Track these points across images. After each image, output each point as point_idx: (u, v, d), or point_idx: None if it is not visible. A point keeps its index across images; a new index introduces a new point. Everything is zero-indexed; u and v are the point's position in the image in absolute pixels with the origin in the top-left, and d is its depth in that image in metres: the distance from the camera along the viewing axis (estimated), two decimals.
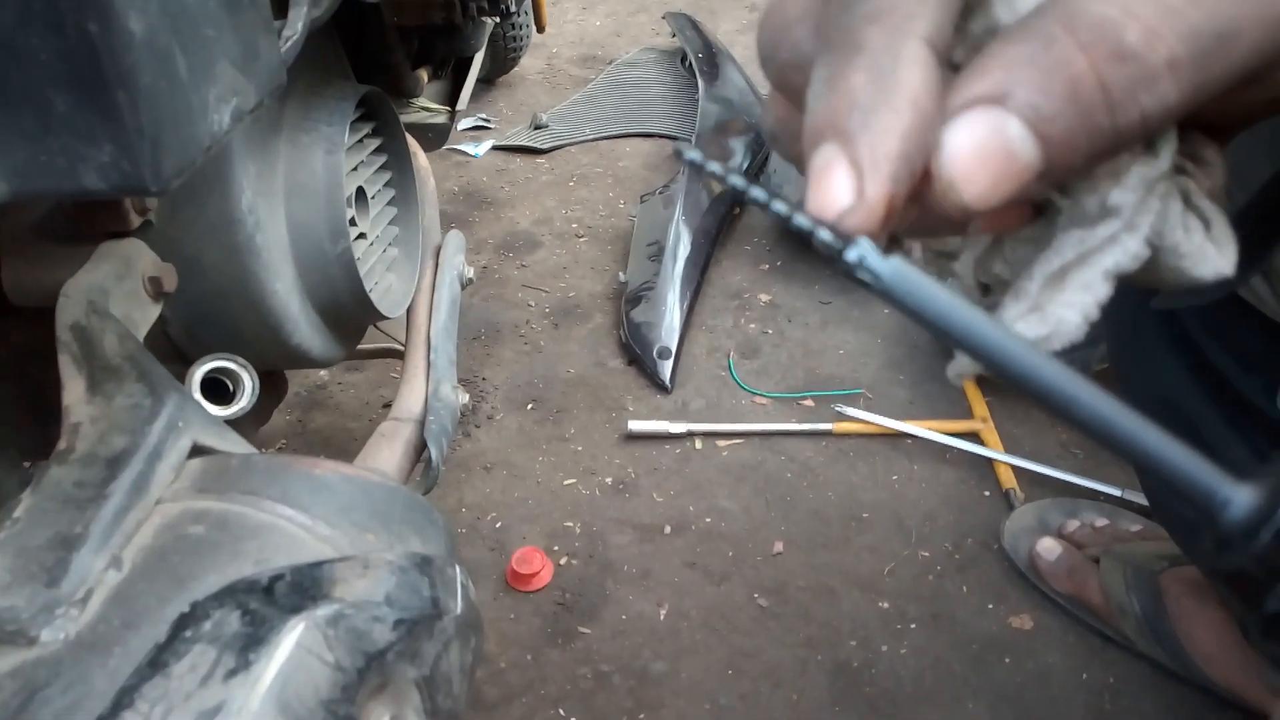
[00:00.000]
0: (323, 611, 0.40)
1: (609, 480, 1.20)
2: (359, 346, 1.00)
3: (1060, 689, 0.94)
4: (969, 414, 1.25)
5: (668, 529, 1.13)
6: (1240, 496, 0.22)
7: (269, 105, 0.52)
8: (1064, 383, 0.21)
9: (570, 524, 1.14)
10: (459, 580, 0.50)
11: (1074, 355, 1.13)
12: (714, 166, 0.23)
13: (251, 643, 0.37)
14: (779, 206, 0.22)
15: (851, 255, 0.21)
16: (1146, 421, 0.22)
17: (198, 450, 0.52)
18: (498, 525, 1.14)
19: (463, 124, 2.12)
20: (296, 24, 0.60)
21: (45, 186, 0.40)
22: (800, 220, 0.22)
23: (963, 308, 0.21)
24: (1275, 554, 0.21)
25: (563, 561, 1.09)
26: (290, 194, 0.68)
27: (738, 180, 0.22)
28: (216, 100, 0.43)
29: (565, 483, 1.20)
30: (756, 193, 0.22)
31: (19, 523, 0.45)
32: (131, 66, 0.37)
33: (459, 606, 0.48)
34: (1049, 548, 1.00)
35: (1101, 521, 1.03)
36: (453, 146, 2.00)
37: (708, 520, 1.14)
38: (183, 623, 0.39)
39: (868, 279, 0.21)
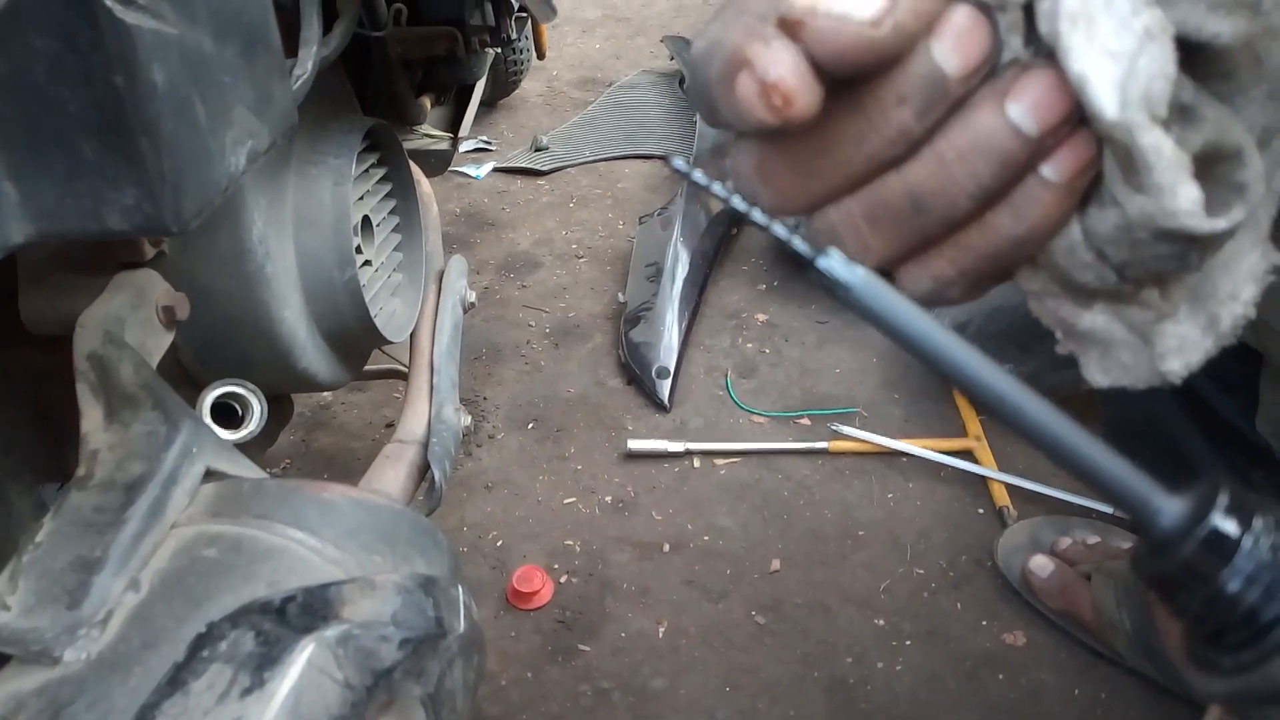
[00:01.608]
0: (332, 631, 0.42)
1: (608, 499, 1.22)
2: (366, 367, 1.02)
3: (1053, 705, 0.95)
4: (963, 432, 1.27)
5: (666, 547, 1.14)
6: (1171, 507, 0.24)
7: (281, 145, 0.55)
8: (1014, 394, 0.23)
9: (570, 542, 1.15)
10: (462, 600, 0.52)
11: (1062, 375, 1.16)
12: (699, 177, 0.25)
13: (265, 662, 0.39)
14: (758, 215, 0.24)
15: (823, 263, 0.23)
16: (1089, 435, 0.24)
17: (210, 475, 0.54)
18: (499, 544, 1.15)
19: (464, 146, 2.15)
20: (306, 63, 0.63)
21: (71, 227, 0.42)
22: (778, 229, 0.24)
23: (924, 320, 0.23)
24: (1199, 560, 0.23)
25: (563, 580, 1.10)
26: (299, 224, 0.71)
27: (720, 190, 0.24)
28: (233, 143, 0.45)
29: (565, 501, 1.22)
30: (738, 202, 0.25)
31: (40, 546, 0.47)
32: (155, 115, 0.39)
33: (462, 626, 0.50)
34: (1041, 565, 1.02)
35: (1093, 539, 1.05)
36: (454, 169, 2.03)
37: (706, 538, 1.16)
38: (200, 643, 0.41)
39: (838, 287, 0.23)
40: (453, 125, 1.29)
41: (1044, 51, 0.22)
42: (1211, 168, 0.23)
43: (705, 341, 1.49)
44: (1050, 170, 0.23)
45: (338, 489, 0.53)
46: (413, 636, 0.45)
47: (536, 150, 2.10)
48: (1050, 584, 1.01)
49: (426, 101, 1.15)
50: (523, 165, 2.05)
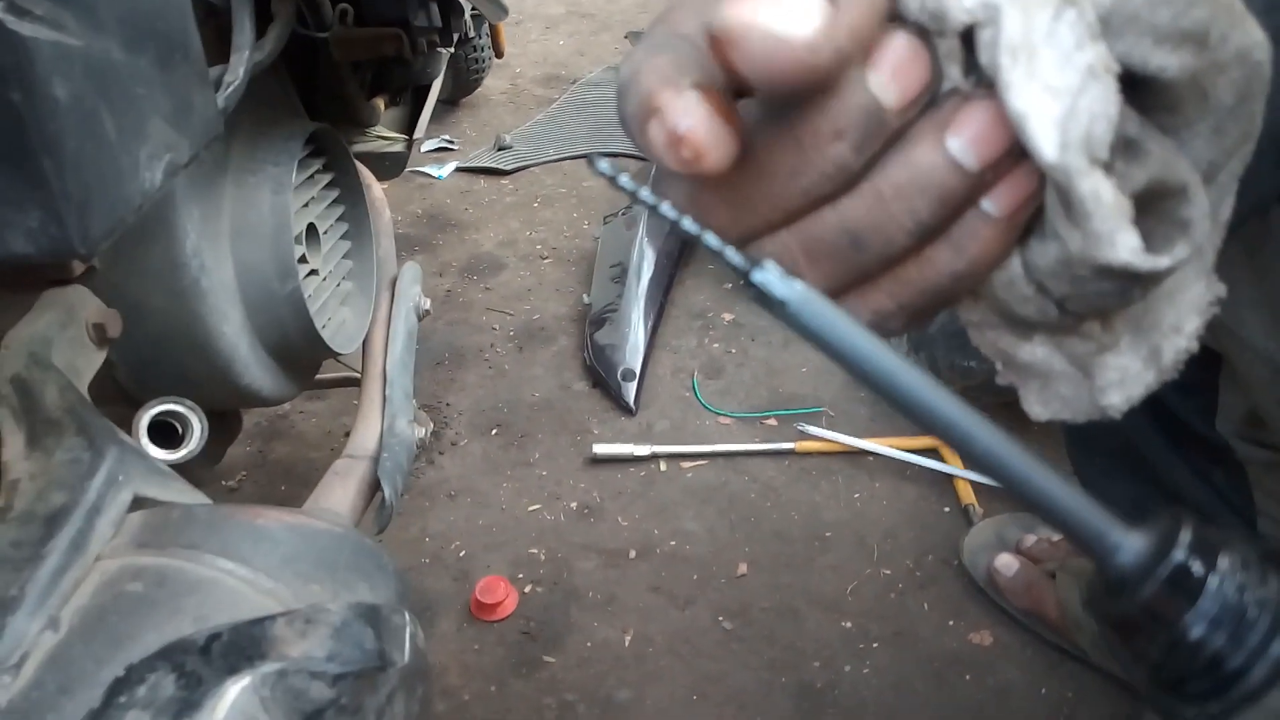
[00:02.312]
0: (260, 671, 0.40)
1: (574, 505, 1.20)
2: (320, 376, 0.99)
3: (1020, 704, 0.95)
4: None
5: (632, 553, 1.13)
6: (1129, 544, 0.22)
7: (205, 157, 0.52)
8: (963, 420, 0.22)
9: (535, 551, 1.14)
10: (407, 629, 0.50)
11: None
12: (625, 180, 0.22)
13: (186, 708, 0.37)
14: (689, 224, 0.22)
15: (758, 276, 0.22)
16: (1042, 464, 0.22)
17: (139, 502, 0.52)
18: (461, 554, 1.13)
19: (426, 146, 2.12)
20: (238, 69, 0.61)
21: None
22: (710, 240, 0.22)
23: (866, 339, 0.21)
24: (1160, 602, 0.22)
25: (527, 590, 1.08)
26: (236, 235, 0.68)
27: (647, 196, 0.22)
28: (148, 158, 0.43)
29: (530, 509, 1.20)
30: (666, 209, 0.22)
31: None
32: (56, 133, 0.37)
33: (406, 657, 0.48)
34: (1007, 563, 1.02)
35: (1058, 535, 1.05)
36: (416, 169, 2.00)
37: (672, 543, 1.14)
38: (117, 688, 0.39)
39: (774, 304, 0.22)
40: (410, 125, 1.26)
41: (985, 80, 0.21)
42: (1156, 203, 0.22)
43: (671, 342, 1.48)
44: (991, 204, 0.22)
45: (273, 514, 0.51)
46: (349, 671, 0.43)
47: (500, 149, 2.08)
48: (1016, 582, 1.01)
49: (380, 103, 1.12)
50: (486, 165, 2.02)
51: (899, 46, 0.21)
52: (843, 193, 0.23)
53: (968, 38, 0.21)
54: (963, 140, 0.21)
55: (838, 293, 0.25)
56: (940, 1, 0.21)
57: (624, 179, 0.22)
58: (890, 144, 0.22)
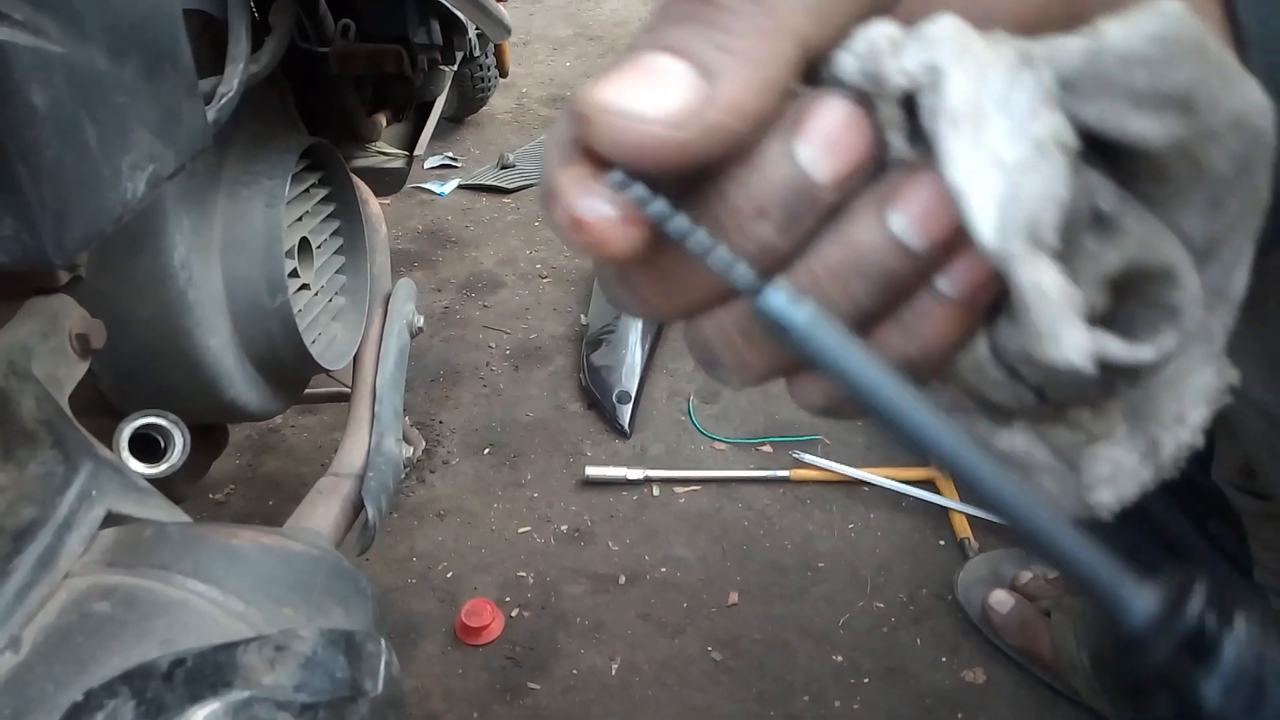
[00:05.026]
0: (224, 700, 0.38)
1: (564, 528, 1.18)
2: (312, 390, 0.98)
3: None
4: (926, 462, 1.26)
5: (622, 579, 1.11)
6: (1142, 600, 0.20)
7: (197, 168, 0.51)
8: (974, 461, 0.20)
9: (523, 574, 1.12)
10: (382, 657, 0.48)
11: None
12: (637, 190, 0.20)
13: None
14: (696, 240, 0.20)
15: (769, 297, 0.19)
16: (1054, 511, 0.20)
17: (113, 519, 0.51)
18: (449, 575, 1.12)
19: (429, 162, 2.12)
20: (232, 81, 0.60)
21: None
22: (719, 256, 0.20)
23: (879, 369, 0.20)
24: (1174, 664, 0.20)
25: (514, 613, 1.07)
26: (227, 248, 0.67)
27: (659, 208, 0.20)
28: (130, 168, 0.42)
29: (520, 530, 1.18)
30: (678, 222, 0.20)
31: None
32: (33, 141, 0.36)
33: (379, 686, 0.46)
34: (1001, 600, 1.00)
35: (1054, 573, 1.03)
36: (418, 185, 2.00)
37: (663, 570, 1.13)
38: (74, 714, 0.37)
39: (782, 323, 0.20)
40: (411, 143, 1.26)
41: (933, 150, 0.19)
42: (1139, 287, 0.20)
43: (668, 365, 1.47)
44: (946, 284, 0.20)
45: (248, 534, 0.50)
46: (318, 702, 0.42)
47: (503, 168, 2.08)
48: (1010, 620, 0.99)
49: (381, 119, 1.12)
50: (488, 183, 2.02)
51: (831, 114, 0.19)
52: (776, 271, 0.21)
53: (910, 103, 0.19)
54: (907, 217, 0.19)
55: (783, 374, 0.23)
56: (877, 63, 0.19)
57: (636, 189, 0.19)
58: (826, 220, 0.20)
